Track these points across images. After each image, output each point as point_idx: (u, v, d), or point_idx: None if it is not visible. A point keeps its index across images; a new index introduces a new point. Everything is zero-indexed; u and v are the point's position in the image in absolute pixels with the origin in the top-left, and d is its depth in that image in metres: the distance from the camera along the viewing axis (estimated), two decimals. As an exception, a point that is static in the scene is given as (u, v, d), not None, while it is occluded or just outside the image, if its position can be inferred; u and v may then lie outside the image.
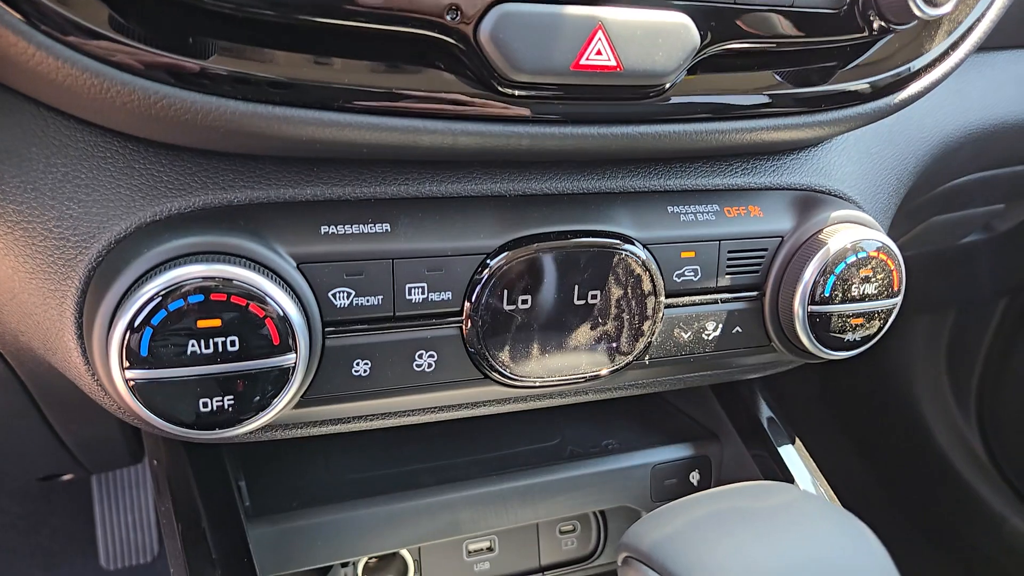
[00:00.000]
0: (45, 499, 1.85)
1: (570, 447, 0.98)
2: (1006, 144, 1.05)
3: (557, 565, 1.09)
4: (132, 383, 0.53)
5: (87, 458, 1.16)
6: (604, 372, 0.70)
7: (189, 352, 0.53)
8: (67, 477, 1.29)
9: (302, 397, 0.61)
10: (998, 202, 1.30)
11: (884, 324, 0.77)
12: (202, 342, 0.53)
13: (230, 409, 0.56)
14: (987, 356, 1.94)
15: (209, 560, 0.72)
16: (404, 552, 1.00)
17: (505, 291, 0.65)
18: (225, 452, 0.83)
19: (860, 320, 0.75)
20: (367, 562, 1.00)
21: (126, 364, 0.53)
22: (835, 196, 0.78)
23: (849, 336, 0.75)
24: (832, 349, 0.75)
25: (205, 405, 0.55)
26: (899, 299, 0.76)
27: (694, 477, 1.00)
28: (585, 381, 0.70)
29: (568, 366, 0.69)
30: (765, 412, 0.97)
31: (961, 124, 0.98)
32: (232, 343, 0.54)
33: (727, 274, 0.73)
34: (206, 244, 0.55)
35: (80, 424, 0.97)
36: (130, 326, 0.52)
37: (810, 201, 0.76)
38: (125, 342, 0.52)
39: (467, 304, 0.64)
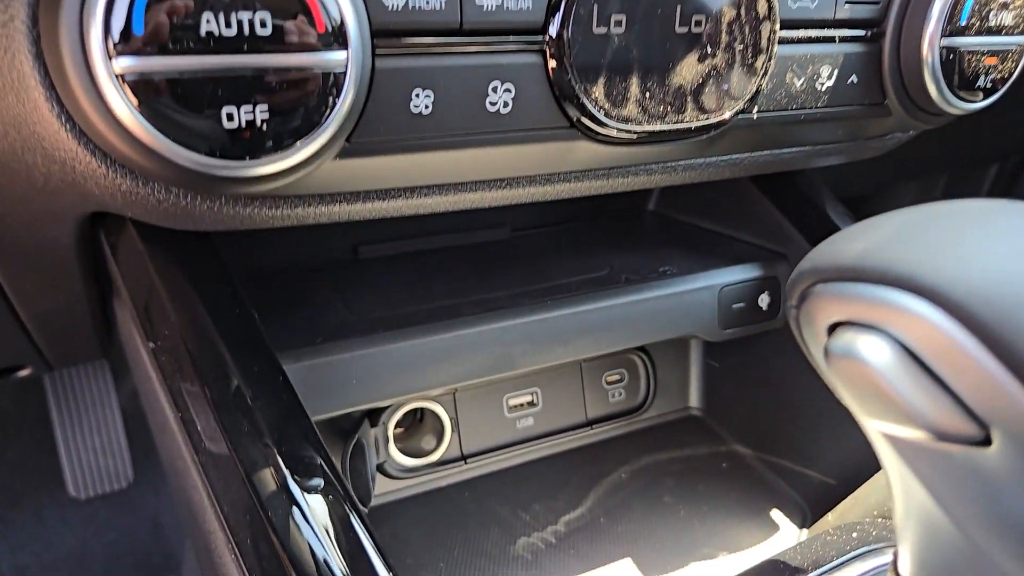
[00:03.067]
0: (-1, 430, 1.67)
1: (624, 275, 0.85)
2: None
3: (605, 418, 0.98)
4: (125, 78, 0.37)
5: (47, 341, 0.99)
6: (712, 120, 0.57)
7: (203, 31, 0.38)
8: (24, 372, 1.12)
9: (347, 142, 0.46)
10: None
11: (1015, 68, 0.65)
12: (220, 17, 0.38)
13: (264, 127, 0.40)
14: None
15: (242, 404, 0.56)
16: (439, 410, 0.87)
17: (595, 6, 0.50)
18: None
19: (994, 60, 0.63)
20: (398, 423, 0.87)
21: (114, 49, 0.37)
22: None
23: (980, 81, 0.63)
24: (961, 96, 0.63)
25: (230, 118, 0.39)
26: None
27: (763, 300, 0.89)
28: (690, 133, 0.56)
29: (671, 110, 0.55)
30: (846, 222, 0.86)
31: None
32: (262, 23, 0.39)
33: (846, 1, 0.59)
34: None
35: (37, 278, 0.80)
36: (114, -8, 0.36)
37: (930, -80, 0.63)
38: (109, 13, 0.36)
39: (550, 23, 0.50)
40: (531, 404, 0.93)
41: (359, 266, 0.89)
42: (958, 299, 0.34)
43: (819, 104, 0.62)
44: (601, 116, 0.53)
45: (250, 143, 0.40)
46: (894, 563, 0.45)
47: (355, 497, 0.52)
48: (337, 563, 0.48)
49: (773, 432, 0.94)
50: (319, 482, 0.52)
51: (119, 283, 0.72)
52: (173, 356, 0.59)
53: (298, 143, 0.42)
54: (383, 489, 0.86)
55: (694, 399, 1.03)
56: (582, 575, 0.77)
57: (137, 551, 1.79)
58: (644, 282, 0.84)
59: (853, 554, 0.60)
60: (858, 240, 0.39)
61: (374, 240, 0.93)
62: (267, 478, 0.51)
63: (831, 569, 0.59)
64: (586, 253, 0.92)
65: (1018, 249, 0.35)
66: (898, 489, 0.42)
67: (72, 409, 1.73)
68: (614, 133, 0.54)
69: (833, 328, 0.40)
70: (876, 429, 0.39)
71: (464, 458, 0.89)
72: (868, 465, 0.82)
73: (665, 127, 0.55)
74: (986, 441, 0.34)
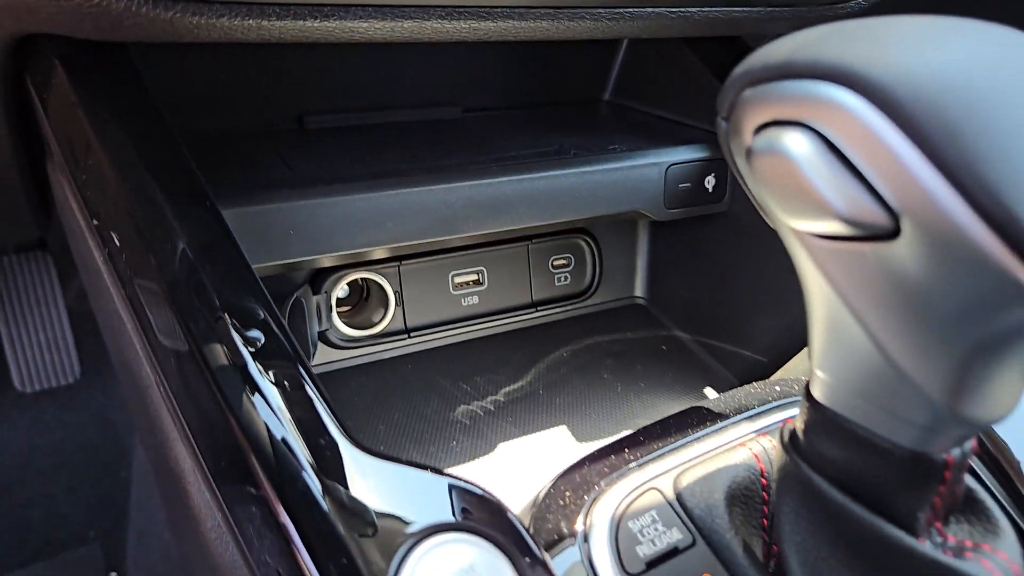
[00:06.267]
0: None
1: (573, 151, 0.85)
2: None
3: (550, 301, 0.99)
4: None
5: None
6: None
7: None
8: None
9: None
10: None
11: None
12: None
13: None
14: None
15: (186, 262, 0.53)
16: (383, 282, 0.87)
17: None
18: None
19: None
20: (344, 301, 0.86)
21: None
22: None
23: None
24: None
25: None
26: None
27: (709, 182, 0.89)
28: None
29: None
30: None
31: None
32: None
33: None
34: None
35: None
36: None
37: None
38: None
39: None
40: (477, 283, 0.93)
41: (304, 135, 0.87)
42: (879, 85, 0.34)
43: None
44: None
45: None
46: (806, 389, 0.46)
47: (308, 364, 0.50)
48: (296, 441, 0.46)
49: (712, 318, 0.96)
50: (269, 347, 0.50)
51: (49, 136, 0.69)
52: (107, 206, 0.58)
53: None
54: (325, 358, 0.86)
55: (639, 288, 1.04)
56: (518, 439, 0.79)
57: (86, 448, 1.77)
58: (591, 156, 0.83)
59: (774, 404, 0.62)
60: (791, 40, 0.39)
61: (321, 111, 0.91)
62: (218, 351, 0.49)
63: (752, 416, 0.61)
64: (537, 133, 0.91)
65: (949, 44, 0.35)
66: (815, 303, 0.43)
67: (16, 307, 1.69)
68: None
69: (758, 132, 0.40)
70: (794, 231, 0.40)
71: (408, 331, 0.89)
72: (800, 340, 0.84)
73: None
74: (895, 233, 0.35)
